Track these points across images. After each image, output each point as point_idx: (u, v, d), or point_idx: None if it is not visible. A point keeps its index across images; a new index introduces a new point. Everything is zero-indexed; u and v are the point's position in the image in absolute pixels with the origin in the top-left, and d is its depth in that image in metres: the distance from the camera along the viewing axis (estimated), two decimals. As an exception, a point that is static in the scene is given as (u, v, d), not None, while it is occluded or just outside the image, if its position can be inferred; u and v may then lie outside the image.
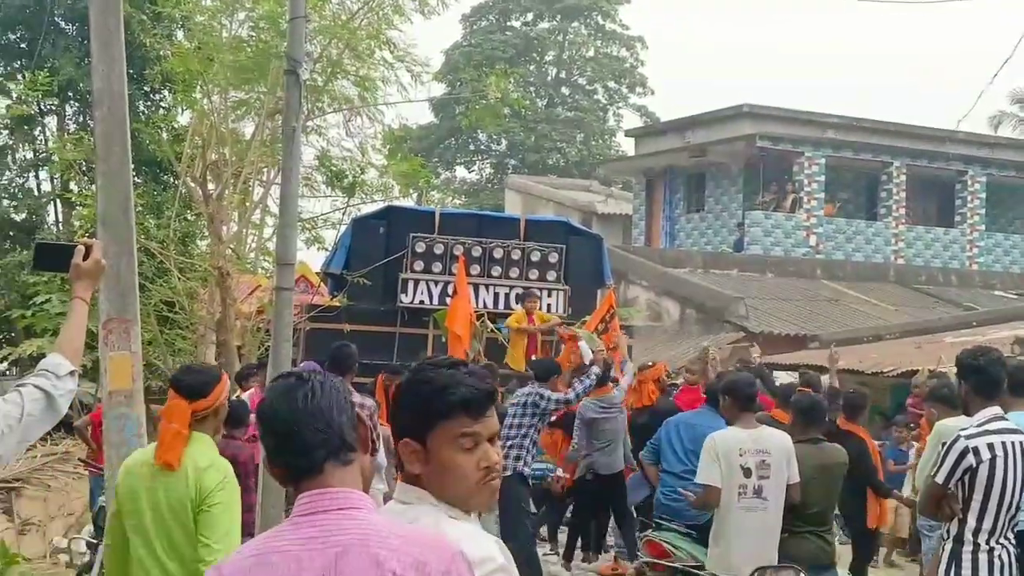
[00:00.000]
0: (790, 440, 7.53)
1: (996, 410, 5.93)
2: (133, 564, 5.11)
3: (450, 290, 16.05)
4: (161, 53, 17.78)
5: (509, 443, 10.29)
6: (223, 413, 5.60)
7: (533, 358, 15.00)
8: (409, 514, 2.85)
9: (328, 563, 2.55)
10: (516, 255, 17.30)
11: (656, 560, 8.71)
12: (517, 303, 16.58)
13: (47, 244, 4.54)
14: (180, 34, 20.24)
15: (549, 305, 17.25)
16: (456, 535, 2.76)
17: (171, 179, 20.45)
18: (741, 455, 7.30)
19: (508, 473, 9.94)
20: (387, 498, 12.01)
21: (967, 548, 5.84)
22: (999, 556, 5.81)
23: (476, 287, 16.74)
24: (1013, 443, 5.78)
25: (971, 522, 5.83)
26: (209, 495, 5.08)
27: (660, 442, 9.72)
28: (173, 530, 5.06)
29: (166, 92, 22.17)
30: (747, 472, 7.29)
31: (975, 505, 5.81)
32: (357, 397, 9.16)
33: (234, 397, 12.30)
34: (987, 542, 5.82)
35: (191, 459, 5.11)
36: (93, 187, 11.50)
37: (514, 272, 17.29)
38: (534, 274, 17.29)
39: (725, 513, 7.39)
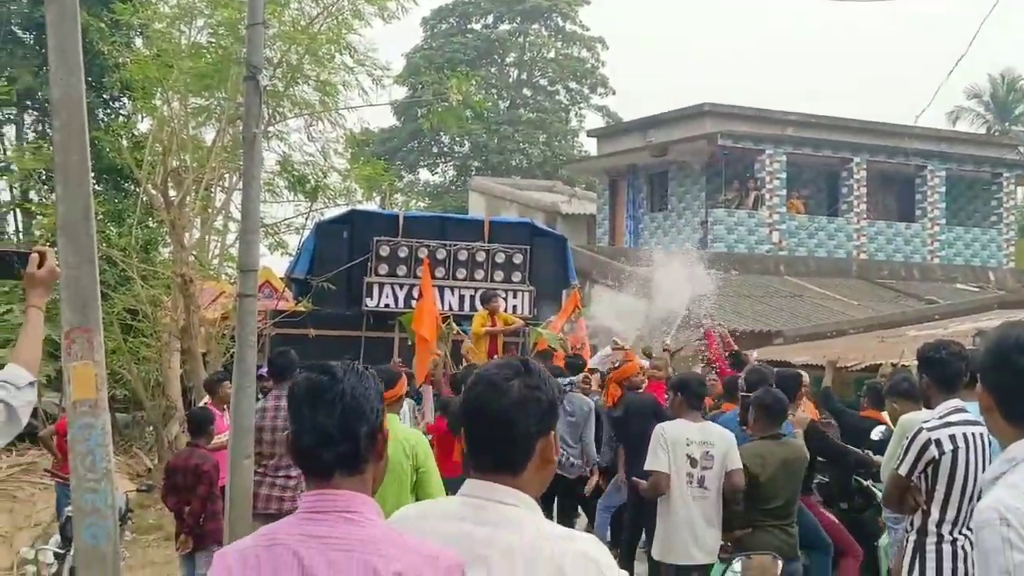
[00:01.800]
0: (732, 434, 8.06)
1: (957, 402, 5.99)
2: None
3: (415, 293, 16.06)
4: (120, 61, 17.72)
5: None
6: (402, 401, 7.88)
7: (496, 358, 15.02)
8: (500, 515, 2.81)
9: (325, 563, 2.63)
10: (481, 257, 17.33)
11: None
12: (482, 304, 16.60)
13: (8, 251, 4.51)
14: (139, 41, 20.19)
15: (515, 307, 17.28)
16: (579, 540, 2.82)
17: (132, 186, 20.36)
18: (688, 445, 7.84)
19: None
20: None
21: (931, 540, 5.89)
22: (962, 547, 5.86)
23: (441, 289, 16.76)
24: (974, 434, 5.84)
25: (935, 514, 5.88)
26: (425, 459, 6.78)
27: None
28: (389, 485, 6.11)
29: (125, 99, 22.08)
30: (693, 462, 7.84)
31: (938, 496, 5.86)
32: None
33: (200, 405, 12.27)
34: (951, 533, 5.87)
35: (398, 434, 6.53)
36: (53, 196, 11.44)
37: (479, 274, 17.31)
38: (499, 275, 17.32)
39: (671, 500, 7.88)
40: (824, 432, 9.32)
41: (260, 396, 11.34)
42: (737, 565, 7.28)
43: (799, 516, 8.18)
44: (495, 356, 15.49)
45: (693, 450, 7.84)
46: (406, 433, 6.98)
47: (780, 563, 7.30)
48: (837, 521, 9.28)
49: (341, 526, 2.68)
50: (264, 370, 11.01)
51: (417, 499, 6.51)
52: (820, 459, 9.26)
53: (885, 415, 9.89)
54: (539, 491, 2.89)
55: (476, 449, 2.90)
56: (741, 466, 7.76)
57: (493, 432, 2.86)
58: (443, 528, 2.81)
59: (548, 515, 11.01)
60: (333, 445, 2.73)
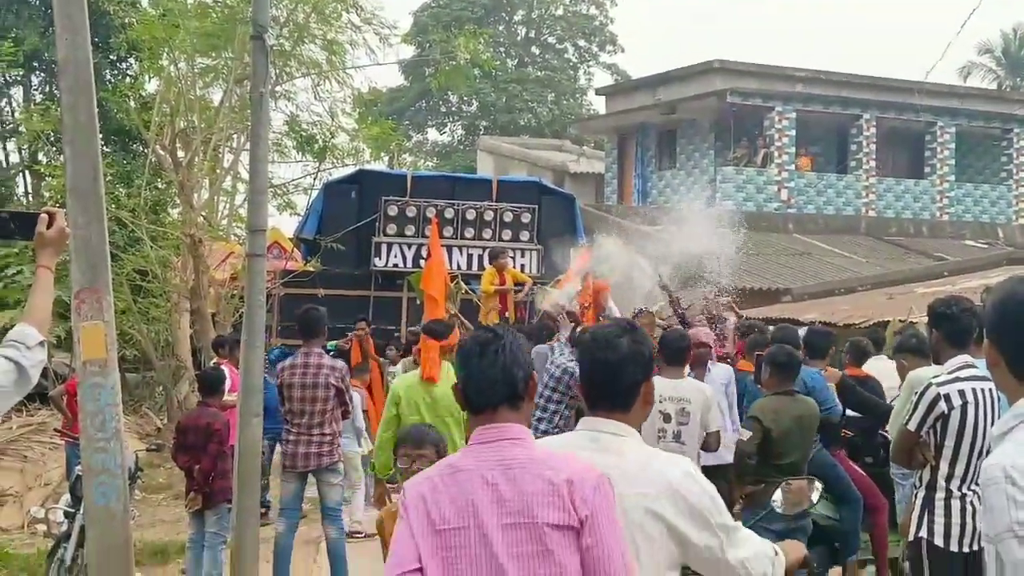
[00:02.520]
0: (711, 391, 8.29)
1: (966, 358, 5.98)
2: None
3: (424, 253, 16.05)
4: (126, 21, 17.67)
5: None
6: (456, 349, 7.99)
7: (506, 316, 15.06)
8: (615, 444, 3.56)
9: (506, 479, 3.22)
10: (489, 216, 17.32)
11: None
12: (490, 262, 16.61)
13: (6, 213, 4.51)
14: (144, 1, 20.09)
15: (523, 266, 17.28)
16: (679, 460, 3.65)
17: (140, 148, 20.36)
18: (660, 402, 7.85)
19: None
20: (365, 461, 11.97)
21: (939, 495, 5.90)
22: (971, 502, 5.87)
23: (449, 249, 16.75)
24: (983, 390, 5.84)
25: (943, 469, 5.90)
26: None
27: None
28: (448, 423, 7.72)
29: (132, 60, 22.02)
30: (667, 418, 8.01)
31: (947, 452, 5.88)
32: (328, 359, 9.20)
33: (211, 364, 12.32)
34: (959, 488, 5.88)
35: (447, 373, 7.78)
36: (61, 158, 11.43)
37: (487, 233, 17.31)
38: (507, 235, 17.31)
39: None
40: (854, 386, 9.32)
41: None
42: (778, 493, 7.26)
43: (832, 470, 8.25)
44: (505, 314, 15.53)
45: (667, 406, 7.98)
46: None
47: (818, 485, 7.30)
48: (865, 475, 9.31)
49: (512, 450, 3.27)
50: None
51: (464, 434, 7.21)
52: (850, 414, 9.29)
53: (867, 370, 9.93)
54: (640, 424, 3.67)
55: (593, 393, 3.66)
56: (717, 429, 8.09)
57: (607, 379, 3.62)
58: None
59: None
60: (499, 387, 3.34)
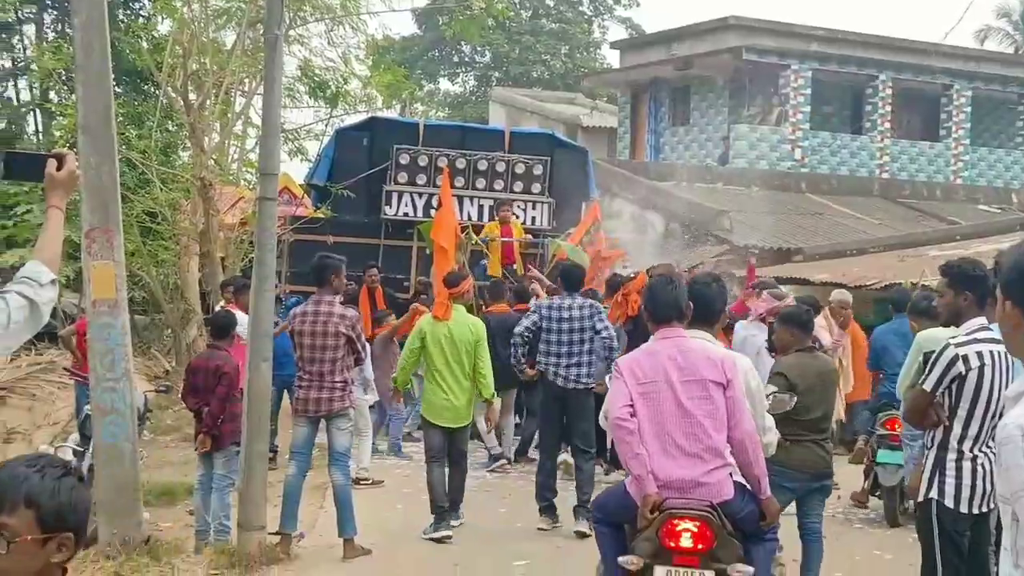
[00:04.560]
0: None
1: (983, 320, 5.95)
2: (433, 374, 9.90)
3: (434, 202, 15.97)
4: (140, -41, 17.53)
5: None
6: (469, 296, 11.31)
7: (513, 266, 15.02)
8: (710, 344, 5.93)
9: (681, 353, 5.67)
10: (501, 167, 17.21)
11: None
12: (494, 215, 16.56)
13: (17, 153, 4.48)
14: (159, -59, 19.89)
15: (534, 218, 17.22)
16: (733, 355, 6.13)
17: (152, 89, 20.28)
18: None
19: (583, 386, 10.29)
20: (382, 409, 12.12)
21: (951, 456, 5.89)
22: (982, 464, 5.86)
23: (460, 199, 16.67)
24: (999, 352, 5.81)
25: (956, 430, 5.88)
26: (480, 336, 9.98)
27: (880, 350, 11.37)
28: (462, 355, 9.85)
29: (145, 0, 21.87)
30: None
31: (961, 413, 5.86)
32: (339, 307, 9.20)
33: (219, 307, 12.31)
34: (971, 450, 5.87)
35: (462, 316, 10.09)
36: (73, 97, 11.36)
37: (499, 184, 17.20)
38: (519, 186, 17.20)
39: None
40: None
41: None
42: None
43: None
44: (511, 264, 15.49)
45: None
46: (471, 318, 10.37)
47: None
48: None
49: (682, 341, 5.75)
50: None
51: (474, 363, 9.86)
52: None
53: None
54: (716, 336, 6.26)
55: (695, 315, 5.95)
56: None
57: (703, 306, 6.03)
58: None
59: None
60: (672, 306, 5.83)
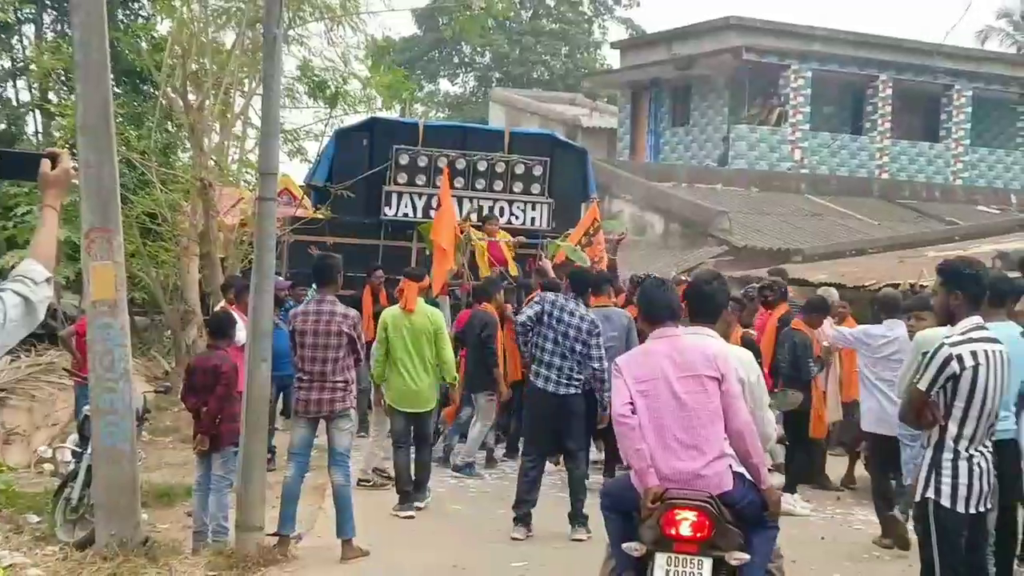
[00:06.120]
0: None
1: (978, 319, 5.98)
2: (395, 362, 10.42)
3: (434, 203, 15.95)
4: (139, -40, 17.51)
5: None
6: (426, 291, 11.93)
7: (499, 269, 14.97)
8: (705, 338, 6.02)
9: (676, 351, 5.83)
10: (500, 168, 17.19)
11: None
12: (502, 216, 16.56)
13: (9, 152, 4.46)
14: (158, -59, 19.87)
15: (533, 219, 17.22)
16: (734, 350, 6.33)
17: (151, 89, 20.25)
18: None
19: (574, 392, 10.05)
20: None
21: (947, 455, 5.91)
22: (978, 463, 5.89)
23: (460, 200, 16.65)
24: (994, 352, 5.84)
25: (952, 429, 5.90)
26: (440, 325, 10.64)
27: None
28: (422, 343, 10.49)
29: (145, 0, 21.85)
30: None
31: (956, 412, 5.88)
32: (341, 307, 9.19)
33: (218, 307, 12.29)
34: (967, 449, 5.89)
35: (423, 309, 10.63)
36: (72, 97, 11.36)
37: (498, 185, 17.19)
38: (518, 187, 17.19)
39: None
40: None
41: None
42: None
43: None
44: (501, 267, 15.38)
45: None
46: (429, 308, 10.83)
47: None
48: None
49: (677, 339, 5.92)
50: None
51: (436, 351, 10.50)
52: None
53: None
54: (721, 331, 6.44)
55: (697, 311, 6.14)
56: None
57: (705, 303, 6.16)
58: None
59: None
60: (666, 307, 6.01)
